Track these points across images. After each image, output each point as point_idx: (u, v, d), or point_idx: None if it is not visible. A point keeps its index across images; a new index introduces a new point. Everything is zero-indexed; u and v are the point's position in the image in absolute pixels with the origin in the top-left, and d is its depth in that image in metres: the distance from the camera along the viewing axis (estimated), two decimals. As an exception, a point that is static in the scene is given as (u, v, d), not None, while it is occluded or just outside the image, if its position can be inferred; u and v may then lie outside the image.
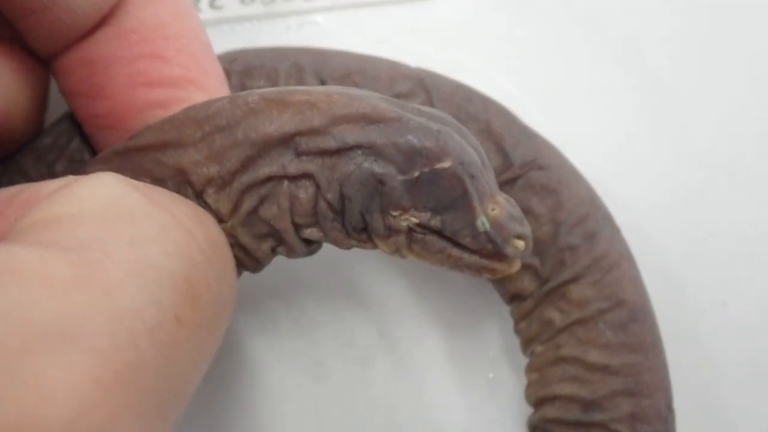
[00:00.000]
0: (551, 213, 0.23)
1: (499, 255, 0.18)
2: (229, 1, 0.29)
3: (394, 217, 0.18)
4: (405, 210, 0.18)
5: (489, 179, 0.19)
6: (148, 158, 0.19)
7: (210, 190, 0.19)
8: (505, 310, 0.25)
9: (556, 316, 0.23)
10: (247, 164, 0.19)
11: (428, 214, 0.18)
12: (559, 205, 0.23)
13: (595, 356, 0.23)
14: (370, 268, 0.27)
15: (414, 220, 0.18)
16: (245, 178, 0.19)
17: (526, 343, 0.24)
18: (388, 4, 0.29)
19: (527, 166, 0.24)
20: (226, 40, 0.28)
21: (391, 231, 0.19)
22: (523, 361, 0.25)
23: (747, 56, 0.29)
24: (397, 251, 0.19)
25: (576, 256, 0.23)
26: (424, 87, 0.24)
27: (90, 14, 0.20)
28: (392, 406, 0.26)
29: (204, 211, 0.18)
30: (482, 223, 0.18)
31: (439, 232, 0.18)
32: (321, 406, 0.26)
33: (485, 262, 0.18)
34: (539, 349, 0.24)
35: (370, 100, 0.19)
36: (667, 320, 0.24)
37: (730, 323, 0.26)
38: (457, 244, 0.18)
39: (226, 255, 0.18)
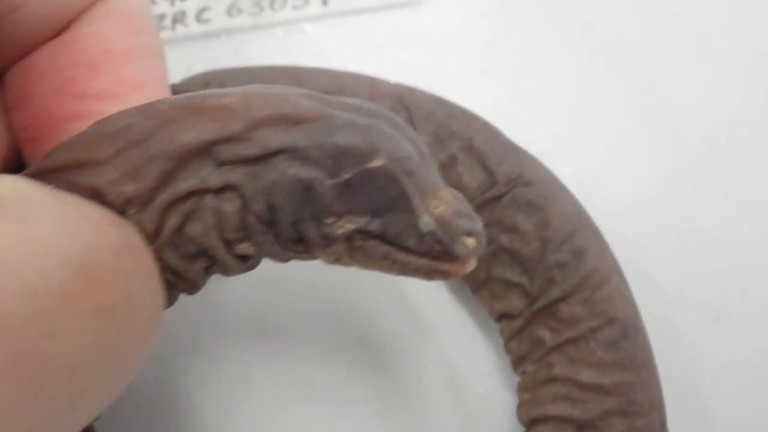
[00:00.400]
0: (538, 230, 0.23)
1: (448, 256, 0.17)
2: (216, 14, 0.29)
3: (329, 225, 0.17)
4: (339, 216, 0.17)
5: (430, 173, 0.18)
6: (62, 180, 0.18)
7: (131, 211, 0.17)
8: (495, 327, 0.25)
9: (546, 335, 0.23)
10: (166, 179, 0.17)
11: (366, 219, 0.17)
12: (546, 221, 0.23)
13: (587, 375, 0.22)
14: (357, 282, 0.26)
15: (351, 226, 0.17)
16: (165, 195, 0.17)
17: (517, 362, 0.24)
18: (376, 12, 0.29)
19: (512, 183, 0.23)
20: (213, 53, 0.28)
21: (327, 240, 0.17)
22: (516, 377, 0.24)
23: (741, 61, 0.29)
24: (338, 260, 0.18)
25: (565, 274, 0.23)
26: (404, 104, 0.24)
27: (51, 24, 0.19)
28: (382, 422, 0.25)
29: (126, 222, 0.17)
30: (426, 222, 0.17)
31: (380, 237, 0.17)
32: (309, 423, 0.25)
33: (435, 264, 0.17)
34: (530, 368, 0.23)
35: (290, 98, 0.17)
36: (659, 333, 0.24)
37: (724, 335, 0.26)
38: (402, 248, 0.17)
39: (146, 268, 0.17)
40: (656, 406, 0.22)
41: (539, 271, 0.23)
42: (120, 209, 0.17)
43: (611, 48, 0.29)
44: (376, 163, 0.17)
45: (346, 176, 0.17)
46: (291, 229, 0.17)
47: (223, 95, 0.17)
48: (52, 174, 0.18)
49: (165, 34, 0.28)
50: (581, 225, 0.23)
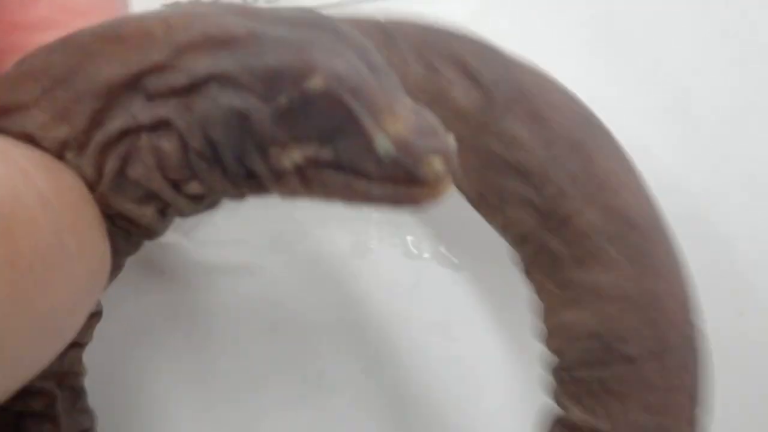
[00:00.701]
0: (543, 141, 0.22)
1: (413, 179, 0.15)
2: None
3: (275, 156, 0.15)
4: (284, 145, 0.15)
5: (383, 87, 0.15)
6: None
7: (69, 155, 0.16)
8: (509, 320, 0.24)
9: (563, 250, 0.22)
10: (97, 119, 0.16)
11: (314, 146, 0.15)
12: (552, 131, 0.22)
13: (611, 287, 0.21)
14: (372, 277, 0.26)
15: (298, 156, 0.15)
16: (99, 137, 0.16)
17: (540, 285, 0.22)
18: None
19: (512, 101, 0.22)
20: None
21: (277, 173, 0.16)
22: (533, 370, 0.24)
23: (763, 52, 0.29)
24: (296, 195, 0.16)
25: (576, 184, 0.21)
26: (387, 33, 0.23)
27: None
28: (395, 417, 0.25)
29: (62, 165, 0.16)
30: (382, 145, 0.15)
31: (335, 165, 0.15)
32: (325, 416, 0.25)
33: (400, 190, 0.15)
34: (551, 286, 0.22)
35: (213, 17, 0.16)
36: None
37: (748, 333, 0.26)
38: (362, 175, 0.15)
39: (84, 215, 0.16)
40: (685, 319, 0.21)
41: (549, 184, 0.21)
42: (58, 154, 0.16)
43: (631, 40, 0.28)
44: (314, 82, 0.15)
45: (282, 100, 0.15)
46: (236, 164, 0.16)
47: (141, 19, 0.16)
48: None
49: None
50: (590, 130, 0.22)
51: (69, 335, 0.16)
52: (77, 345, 0.20)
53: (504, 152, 0.22)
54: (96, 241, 0.16)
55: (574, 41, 0.28)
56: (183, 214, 0.17)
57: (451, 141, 0.15)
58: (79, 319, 0.16)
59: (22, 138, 0.16)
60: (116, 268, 0.18)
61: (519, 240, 0.22)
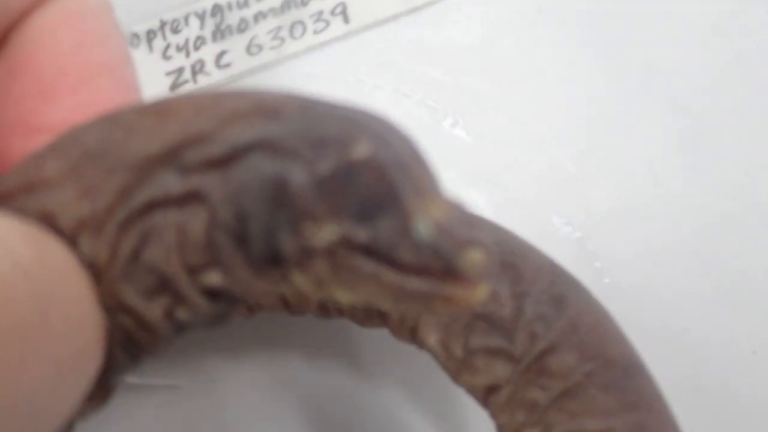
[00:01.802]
0: (511, 287, 0.21)
1: (451, 273, 0.14)
2: (236, 56, 0.28)
3: (308, 233, 0.14)
4: (320, 221, 0.14)
5: (429, 177, 0.15)
6: (13, 207, 0.16)
7: (84, 238, 0.15)
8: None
9: (539, 395, 0.21)
10: (124, 196, 0.15)
11: (351, 225, 0.14)
12: (518, 277, 0.21)
13: (593, 425, 0.20)
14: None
15: (333, 233, 0.14)
16: (121, 212, 0.15)
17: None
18: (399, 21, 0.28)
19: None
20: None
21: (306, 255, 0.14)
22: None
23: None
24: (320, 287, 0.15)
25: (547, 324, 0.21)
26: None
27: None
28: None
29: (54, 240, 0.15)
30: (422, 229, 0.14)
31: (368, 251, 0.14)
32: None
33: (435, 286, 0.14)
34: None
35: (267, 92, 0.15)
36: (695, 370, 0.23)
37: (760, 372, 0.25)
38: (395, 265, 0.14)
39: (74, 291, 0.15)
40: None
41: (520, 329, 0.21)
42: (71, 236, 0.15)
43: (648, 67, 0.27)
44: (361, 150, 0.14)
45: (325, 168, 0.14)
46: (264, 242, 0.15)
47: (193, 95, 0.15)
48: (3, 201, 0.16)
49: (187, 87, 0.27)
50: (556, 275, 0.22)
51: (52, 422, 0.15)
52: None
53: (480, 308, 0.21)
54: (86, 321, 0.15)
55: (580, 64, 0.27)
56: (194, 315, 0.16)
57: (491, 240, 0.15)
58: (62, 409, 0.15)
59: (39, 217, 0.15)
60: (107, 389, 0.17)
61: (491, 392, 0.22)
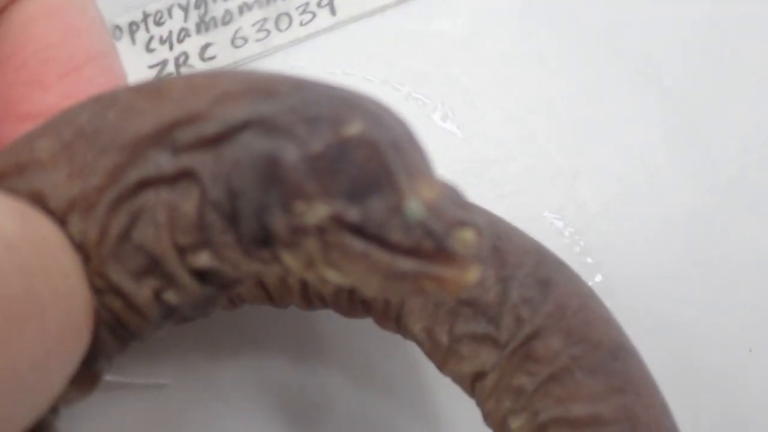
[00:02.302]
0: (496, 271, 0.21)
1: (442, 253, 0.14)
2: (220, 48, 0.27)
3: (299, 212, 0.14)
4: (311, 199, 0.14)
5: (421, 159, 0.15)
6: (3, 187, 0.16)
7: (74, 218, 0.15)
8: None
9: (525, 381, 0.20)
10: (115, 175, 0.15)
11: (342, 204, 0.14)
12: (503, 261, 0.21)
13: (579, 409, 0.20)
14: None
15: (324, 211, 0.14)
16: (113, 192, 0.15)
17: (501, 425, 0.21)
18: (386, 13, 0.27)
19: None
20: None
21: (297, 234, 0.14)
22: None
23: None
24: (309, 267, 0.15)
25: (533, 308, 0.20)
26: None
27: None
28: None
29: (41, 215, 0.15)
30: (414, 209, 0.14)
31: (359, 230, 0.14)
32: None
33: (425, 267, 0.14)
34: (515, 424, 0.21)
35: (262, 73, 0.15)
36: (692, 368, 0.23)
37: (757, 370, 0.24)
38: (386, 244, 0.14)
39: (59, 264, 0.15)
40: (666, 426, 0.20)
41: (505, 314, 0.21)
42: (61, 216, 0.15)
43: (639, 58, 0.27)
44: (354, 128, 0.14)
45: (318, 145, 0.14)
46: (255, 220, 0.15)
47: (189, 75, 0.15)
48: None
49: None
50: (542, 257, 0.21)
51: (41, 400, 0.15)
52: None
53: (464, 294, 0.21)
54: (74, 297, 0.15)
55: (571, 56, 0.27)
56: (183, 297, 0.16)
57: (483, 221, 0.14)
58: (54, 384, 0.15)
59: (30, 197, 0.15)
60: (94, 374, 0.17)
61: (477, 379, 0.21)
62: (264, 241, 0.15)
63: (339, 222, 0.14)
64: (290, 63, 0.27)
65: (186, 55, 0.27)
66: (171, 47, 0.27)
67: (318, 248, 0.14)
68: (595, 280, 0.25)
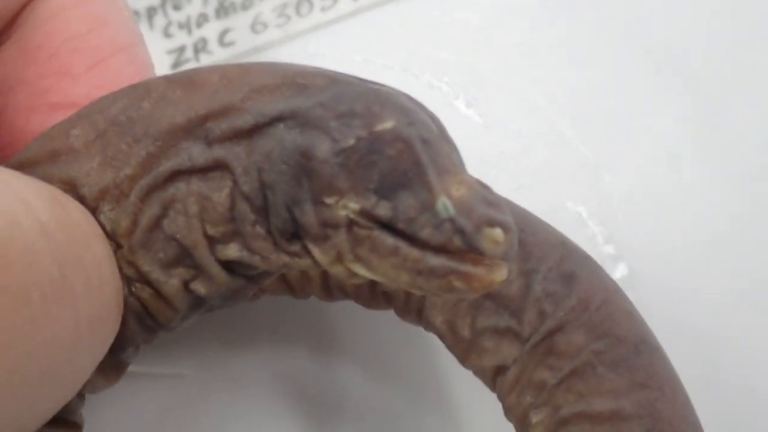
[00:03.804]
0: (520, 264, 0.21)
1: (471, 251, 0.14)
2: (239, 34, 0.27)
3: (329, 206, 0.14)
4: (342, 194, 0.14)
5: (452, 155, 0.15)
6: (37, 174, 0.16)
7: (105, 206, 0.15)
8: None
9: (547, 375, 0.20)
10: (148, 165, 0.15)
11: (373, 199, 0.14)
12: (527, 254, 0.21)
13: (601, 404, 0.20)
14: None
15: (354, 206, 0.14)
16: (144, 182, 0.15)
17: (522, 420, 0.21)
18: (408, 2, 0.27)
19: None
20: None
21: (327, 227, 0.15)
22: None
23: None
24: (338, 261, 0.15)
25: (556, 302, 0.20)
26: None
27: None
28: None
29: (69, 199, 0.16)
30: (444, 205, 0.14)
31: (389, 226, 0.14)
32: None
33: (454, 264, 0.14)
34: (536, 418, 0.20)
35: (296, 66, 0.15)
36: (729, 389, 0.23)
37: None
38: (415, 241, 0.14)
39: (92, 252, 0.15)
40: (689, 422, 0.20)
41: (527, 308, 0.20)
42: (93, 205, 0.15)
43: (662, 47, 0.27)
44: (387, 124, 0.14)
45: (350, 141, 0.14)
46: (285, 215, 0.15)
47: (222, 67, 0.16)
48: (28, 168, 0.16)
49: (189, 66, 0.27)
50: (566, 251, 0.21)
51: (69, 385, 0.15)
52: None
53: None
54: (105, 284, 0.15)
55: (595, 44, 0.27)
56: (211, 288, 0.16)
57: (513, 220, 0.15)
58: (80, 372, 0.15)
59: (60, 185, 0.16)
60: (120, 364, 0.17)
61: (498, 373, 0.21)
62: (294, 234, 0.15)
63: (369, 217, 0.14)
64: (310, 49, 0.27)
65: (205, 40, 0.26)
66: (190, 32, 0.27)
67: (347, 243, 0.14)
68: (618, 270, 0.25)
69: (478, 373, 0.21)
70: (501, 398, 0.21)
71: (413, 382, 0.24)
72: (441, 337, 0.22)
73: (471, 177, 0.15)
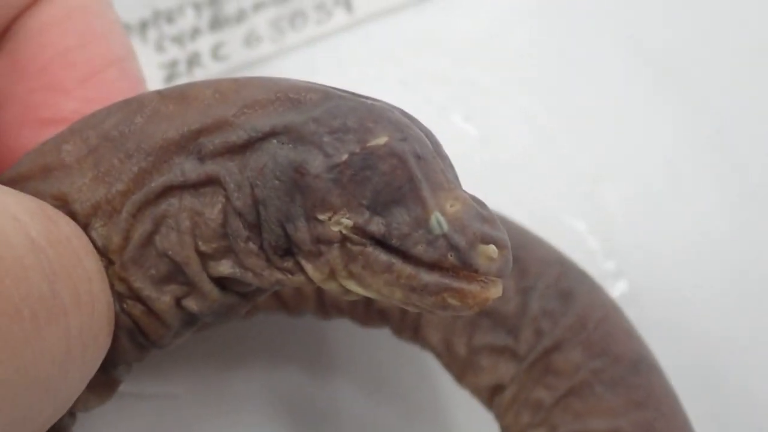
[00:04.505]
0: (516, 282, 0.20)
1: (465, 269, 0.14)
2: (233, 48, 0.27)
3: (322, 222, 0.14)
4: (335, 210, 0.14)
5: (446, 170, 0.15)
6: (28, 190, 0.16)
7: (97, 222, 0.15)
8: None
9: (544, 395, 0.20)
10: (140, 180, 0.15)
11: (366, 215, 0.14)
12: (524, 271, 0.21)
13: (598, 424, 0.19)
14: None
15: (347, 221, 0.14)
16: (137, 198, 0.15)
17: None
18: (405, 12, 0.27)
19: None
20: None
21: (320, 243, 0.15)
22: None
23: None
24: (332, 278, 0.15)
25: (554, 320, 0.20)
26: None
27: None
28: None
29: (60, 214, 0.15)
30: (437, 221, 0.14)
31: (382, 242, 0.14)
32: None
33: (447, 281, 0.14)
34: None
35: (289, 81, 0.15)
36: (727, 392, 0.23)
37: None
38: (408, 258, 0.14)
39: (82, 268, 0.15)
40: None
41: (524, 326, 0.20)
42: (85, 220, 0.16)
43: (661, 58, 0.27)
44: (380, 139, 0.14)
45: (343, 157, 0.14)
46: (278, 231, 0.15)
47: (215, 81, 0.16)
48: (18, 183, 0.16)
49: (182, 80, 0.26)
50: (564, 268, 0.21)
51: (59, 402, 0.15)
52: None
53: None
54: (96, 300, 0.15)
55: (594, 57, 0.27)
56: (203, 305, 0.16)
57: (507, 236, 0.15)
58: (71, 388, 0.15)
59: (52, 200, 0.16)
60: (112, 381, 0.17)
61: (495, 393, 0.21)
62: (287, 250, 0.15)
63: (362, 233, 0.14)
64: (305, 63, 0.27)
65: (198, 54, 0.26)
66: (182, 46, 0.26)
67: (340, 259, 0.14)
68: (618, 286, 0.25)
69: (475, 392, 0.21)
70: (498, 418, 0.21)
71: (410, 402, 0.24)
72: (437, 356, 0.21)
73: (465, 193, 0.15)
